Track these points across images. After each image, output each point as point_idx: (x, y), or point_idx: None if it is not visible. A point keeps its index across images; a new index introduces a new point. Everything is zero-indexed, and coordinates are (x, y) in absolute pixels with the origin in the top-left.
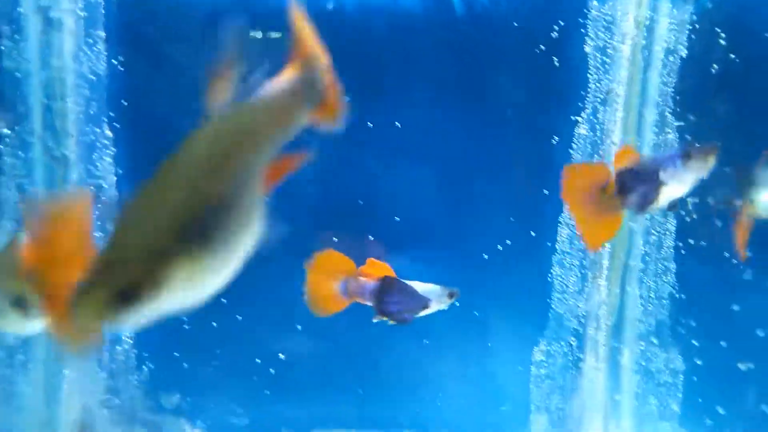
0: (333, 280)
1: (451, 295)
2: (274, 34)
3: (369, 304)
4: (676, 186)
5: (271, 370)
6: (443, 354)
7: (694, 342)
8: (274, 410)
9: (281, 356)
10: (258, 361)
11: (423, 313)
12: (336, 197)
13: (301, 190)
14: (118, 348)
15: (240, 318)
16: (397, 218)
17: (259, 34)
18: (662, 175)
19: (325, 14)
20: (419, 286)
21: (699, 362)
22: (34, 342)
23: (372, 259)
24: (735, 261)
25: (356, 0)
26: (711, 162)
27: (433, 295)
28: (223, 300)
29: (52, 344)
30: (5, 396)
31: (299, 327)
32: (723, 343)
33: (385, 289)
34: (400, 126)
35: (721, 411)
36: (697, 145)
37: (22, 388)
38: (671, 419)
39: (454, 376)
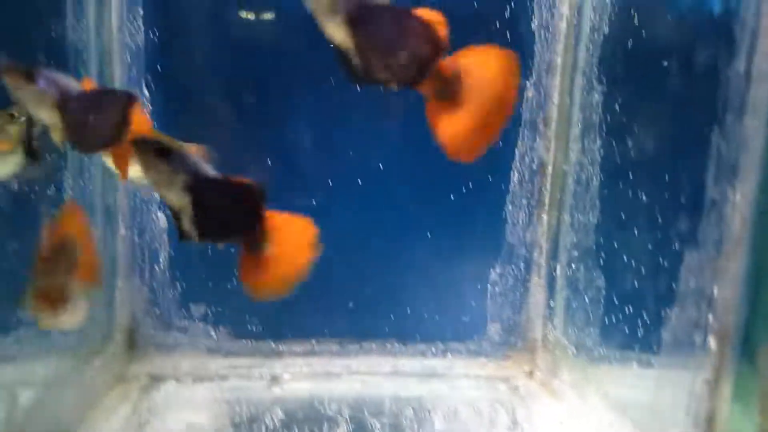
0: None
1: None
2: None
3: None
4: None
5: None
6: (418, 277)
7: (610, 265)
8: (281, 320)
9: None
10: None
11: None
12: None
13: None
14: (157, 268)
15: None
16: (381, 166)
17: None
18: None
19: None
20: None
21: (614, 281)
22: None
23: None
24: (644, 200)
25: None
26: None
27: None
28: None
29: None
30: None
31: None
32: (635, 264)
33: None
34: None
35: (629, 319)
36: None
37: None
38: (594, 324)
39: (426, 294)
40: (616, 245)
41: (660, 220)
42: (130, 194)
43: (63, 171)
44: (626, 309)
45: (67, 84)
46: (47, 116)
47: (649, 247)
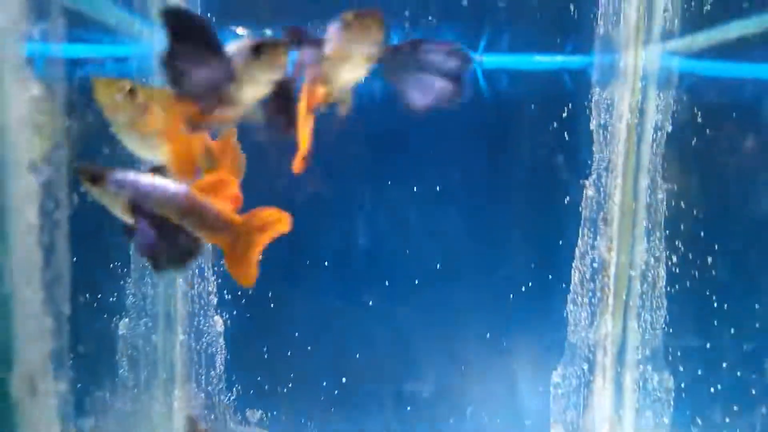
0: None
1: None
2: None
3: None
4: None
5: (335, 392)
6: (477, 378)
7: (681, 366)
8: (336, 423)
9: (343, 380)
10: (324, 384)
11: None
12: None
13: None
14: (212, 373)
15: (309, 348)
16: (438, 265)
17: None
18: None
19: None
20: None
21: (685, 383)
22: (156, 367)
23: None
24: (714, 299)
25: None
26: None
27: None
28: (296, 334)
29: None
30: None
31: (357, 356)
32: (703, 370)
33: None
34: (439, 188)
35: (700, 422)
36: None
37: (147, 405)
38: (664, 430)
39: (486, 396)
40: (692, 352)
41: (745, 333)
42: (188, 300)
43: (126, 278)
44: (703, 416)
45: (143, 188)
46: (123, 217)
47: (732, 359)
